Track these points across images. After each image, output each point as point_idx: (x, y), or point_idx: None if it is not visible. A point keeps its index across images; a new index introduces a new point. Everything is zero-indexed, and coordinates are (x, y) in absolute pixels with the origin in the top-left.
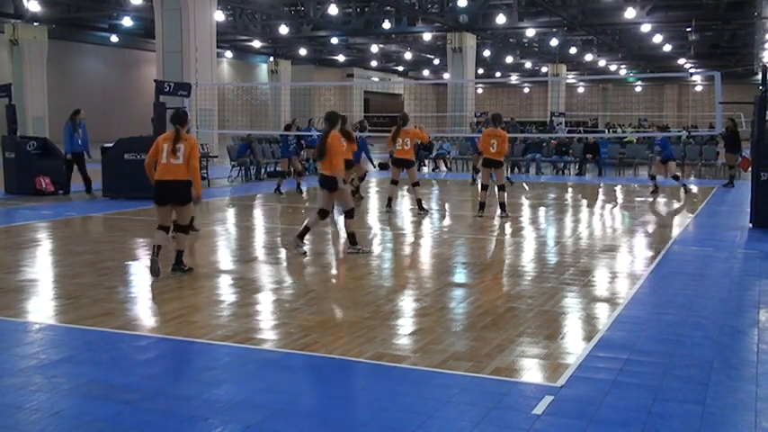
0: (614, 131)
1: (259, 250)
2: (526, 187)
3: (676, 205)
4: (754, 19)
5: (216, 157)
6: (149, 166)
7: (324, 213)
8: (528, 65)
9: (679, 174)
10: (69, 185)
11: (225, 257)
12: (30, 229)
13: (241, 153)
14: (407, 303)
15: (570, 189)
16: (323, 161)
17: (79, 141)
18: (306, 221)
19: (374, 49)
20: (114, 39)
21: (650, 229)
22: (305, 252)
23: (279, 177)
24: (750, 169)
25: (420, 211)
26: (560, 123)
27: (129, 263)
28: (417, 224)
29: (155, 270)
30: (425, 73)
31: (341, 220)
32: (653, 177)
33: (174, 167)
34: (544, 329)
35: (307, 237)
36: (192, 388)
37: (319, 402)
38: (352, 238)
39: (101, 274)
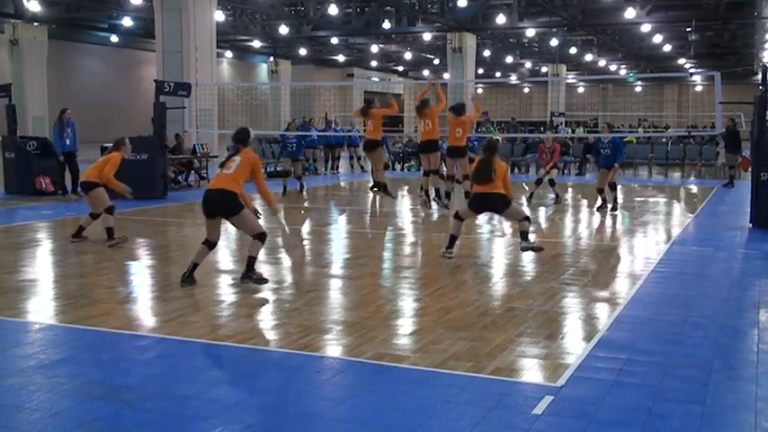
0: (573, 131)
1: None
2: (526, 187)
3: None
4: (754, 19)
5: (216, 157)
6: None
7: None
8: (528, 65)
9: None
10: (65, 186)
11: (225, 257)
12: (30, 229)
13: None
14: (407, 303)
15: (570, 189)
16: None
17: (67, 141)
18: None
19: (374, 49)
20: (114, 39)
21: (650, 228)
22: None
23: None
24: (750, 169)
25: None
26: (561, 123)
27: (129, 263)
28: (416, 223)
29: (185, 281)
30: (425, 73)
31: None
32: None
33: (223, 177)
34: (544, 329)
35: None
36: (192, 388)
37: (319, 402)
38: (524, 235)
39: (101, 274)
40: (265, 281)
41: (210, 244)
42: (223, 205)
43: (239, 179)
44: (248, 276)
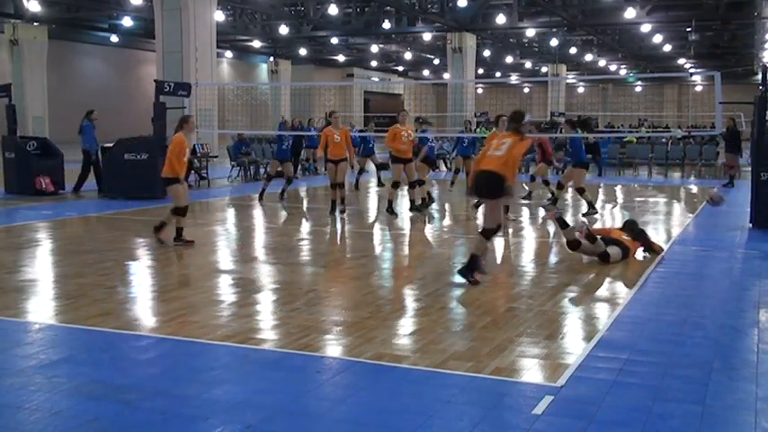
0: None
1: (259, 250)
2: (526, 188)
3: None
4: (754, 19)
5: (216, 157)
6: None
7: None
8: (528, 65)
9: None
10: (101, 181)
11: (225, 257)
12: (30, 229)
13: (237, 152)
14: (407, 303)
15: (570, 189)
16: None
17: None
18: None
19: (374, 49)
20: (114, 39)
21: (650, 228)
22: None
23: (266, 181)
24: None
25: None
26: (560, 123)
27: (129, 263)
28: (417, 224)
29: (464, 273)
30: (425, 73)
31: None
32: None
33: (492, 158)
34: (544, 329)
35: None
36: (192, 388)
37: (319, 402)
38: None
39: (101, 274)
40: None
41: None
42: (490, 187)
43: (510, 161)
44: (464, 273)
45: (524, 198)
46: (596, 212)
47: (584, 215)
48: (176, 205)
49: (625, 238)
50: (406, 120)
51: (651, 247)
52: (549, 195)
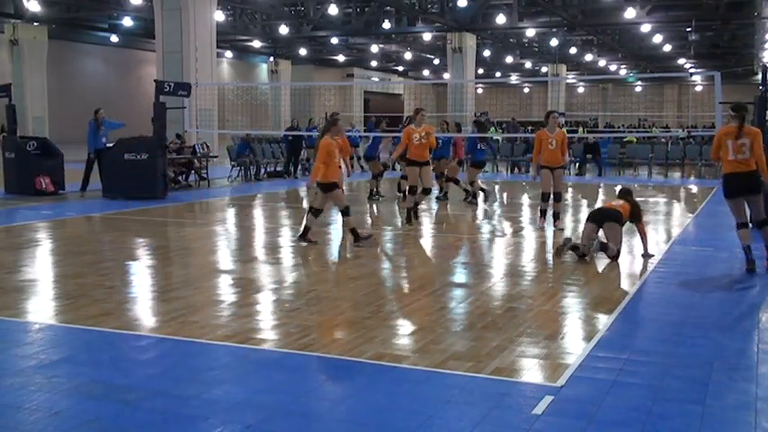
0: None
1: (259, 250)
2: (526, 187)
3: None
4: (754, 19)
5: (216, 157)
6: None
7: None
8: (528, 65)
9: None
10: (87, 184)
11: (225, 257)
12: (30, 229)
13: (240, 152)
14: (407, 303)
15: (570, 189)
16: None
17: (103, 139)
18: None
19: (374, 49)
20: (114, 39)
21: (650, 228)
22: None
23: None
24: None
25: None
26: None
27: (129, 263)
28: (416, 225)
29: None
30: (425, 73)
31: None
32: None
33: (740, 161)
34: (544, 329)
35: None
36: (192, 388)
37: (319, 402)
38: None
39: (101, 274)
40: None
41: (754, 223)
42: (750, 185)
43: (759, 157)
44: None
45: (440, 198)
46: (476, 201)
47: (466, 200)
48: (340, 207)
49: (616, 203)
50: (422, 120)
51: (639, 217)
52: (464, 193)
